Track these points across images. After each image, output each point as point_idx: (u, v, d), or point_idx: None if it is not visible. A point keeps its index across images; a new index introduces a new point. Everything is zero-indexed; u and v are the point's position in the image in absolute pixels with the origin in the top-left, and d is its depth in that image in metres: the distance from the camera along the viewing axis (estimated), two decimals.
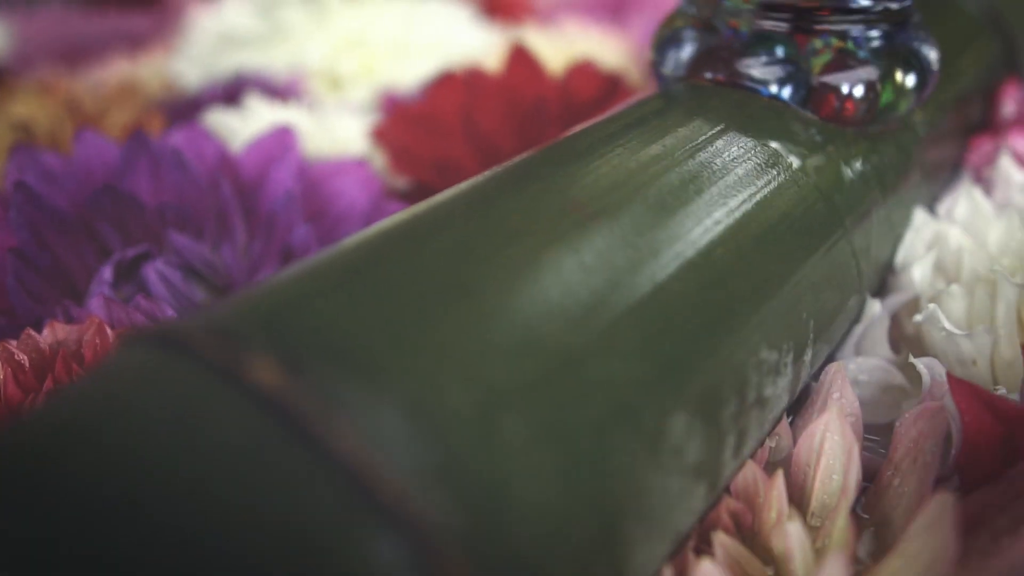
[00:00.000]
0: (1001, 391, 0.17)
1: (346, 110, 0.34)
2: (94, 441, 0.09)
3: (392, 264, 0.12)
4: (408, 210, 0.14)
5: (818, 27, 0.20)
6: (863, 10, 0.20)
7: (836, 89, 0.19)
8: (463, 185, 0.15)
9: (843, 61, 0.20)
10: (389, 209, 0.25)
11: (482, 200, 0.14)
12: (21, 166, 0.22)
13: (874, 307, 0.19)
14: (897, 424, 0.16)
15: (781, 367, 0.15)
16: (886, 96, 0.20)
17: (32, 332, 0.17)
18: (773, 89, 0.19)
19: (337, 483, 0.08)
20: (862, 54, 0.20)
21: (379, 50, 0.40)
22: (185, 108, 0.33)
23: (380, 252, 0.12)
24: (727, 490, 0.15)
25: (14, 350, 0.16)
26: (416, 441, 0.09)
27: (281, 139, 0.27)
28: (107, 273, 0.19)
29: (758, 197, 0.16)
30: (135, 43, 0.46)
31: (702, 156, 0.16)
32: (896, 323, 0.20)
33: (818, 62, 0.20)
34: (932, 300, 0.19)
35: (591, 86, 0.30)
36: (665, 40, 0.21)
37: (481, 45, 0.40)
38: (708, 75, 0.20)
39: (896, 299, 0.20)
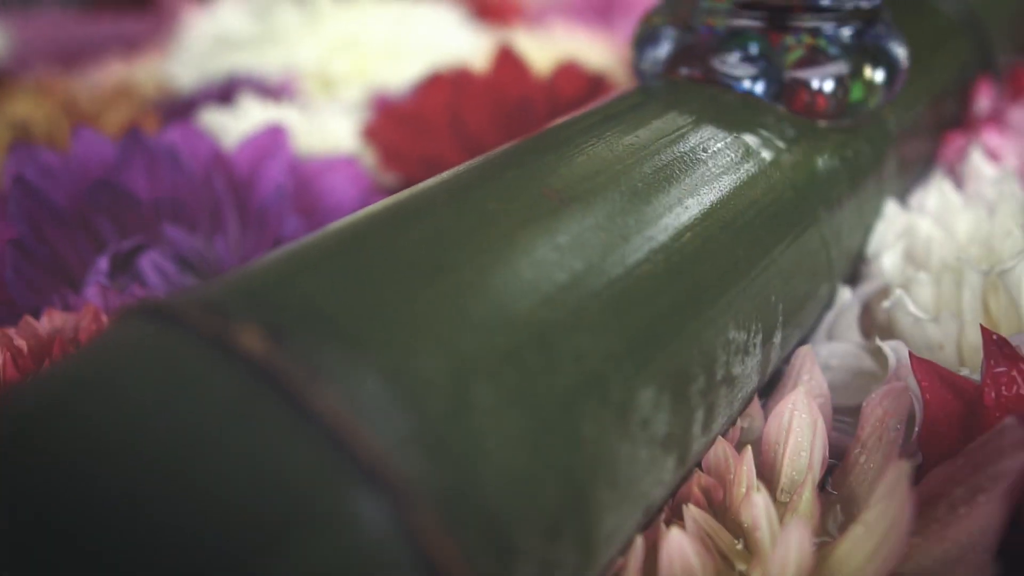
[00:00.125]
0: (965, 373, 0.18)
1: (337, 110, 0.34)
2: (87, 405, 0.09)
3: (372, 244, 0.12)
4: (391, 197, 0.14)
5: (790, 25, 0.21)
6: (834, 8, 0.21)
7: (807, 84, 0.20)
8: (445, 173, 0.15)
9: (814, 57, 0.20)
10: None
11: (461, 186, 0.14)
12: (20, 162, 0.23)
13: (845, 294, 0.20)
14: (864, 404, 0.17)
15: (750, 347, 0.16)
16: (856, 91, 0.20)
17: (30, 319, 0.17)
18: (747, 84, 0.20)
19: (318, 441, 0.09)
20: (833, 50, 0.20)
21: (371, 52, 0.40)
22: (180, 108, 0.34)
23: (361, 233, 0.13)
24: (699, 467, 0.16)
25: (13, 335, 0.17)
26: (393, 404, 0.10)
27: (273, 137, 0.27)
28: (103, 264, 0.20)
29: (728, 186, 0.17)
30: (130, 46, 0.47)
31: (675, 147, 0.17)
32: (868, 311, 0.21)
33: (790, 58, 0.20)
34: (901, 288, 0.20)
35: (575, 86, 0.31)
36: (643, 38, 0.22)
37: (471, 47, 0.41)
38: (684, 71, 0.21)
39: (867, 287, 0.20)
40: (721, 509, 0.16)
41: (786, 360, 0.18)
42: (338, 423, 0.09)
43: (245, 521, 0.09)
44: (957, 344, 0.19)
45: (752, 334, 0.16)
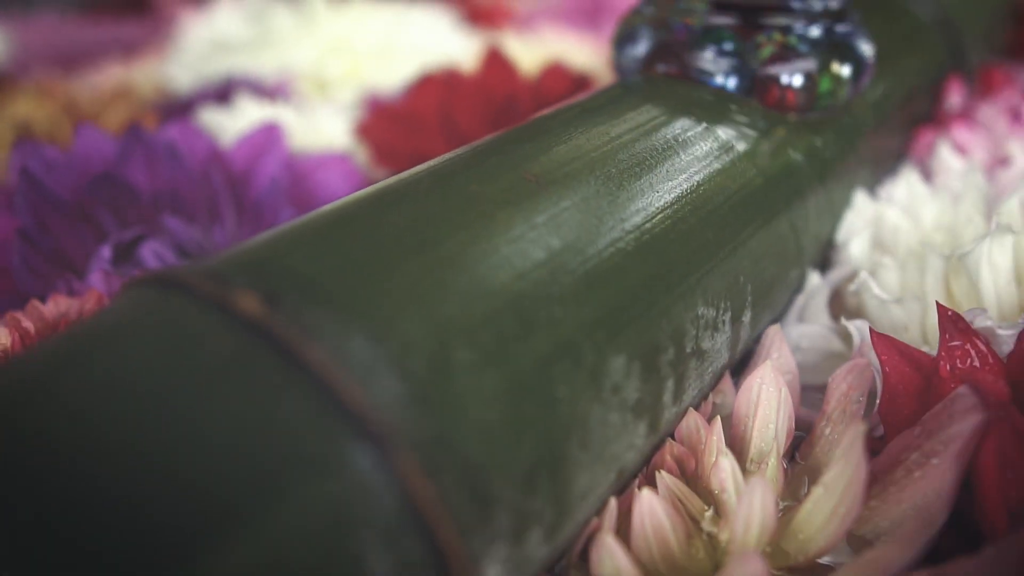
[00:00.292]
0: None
1: (331, 110, 0.35)
2: (99, 360, 0.10)
3: (361, 221, 0.13)
4: (381, 182, 0.15)
5: (762, 23, 0.22)
6: (803, 8, 0.22)
7: (778, 79, 0.21)
8: (431, 161, 0.16)
9: (785, 54, 0.21)
10: None
11: (446, 171, 0.15)
12: (25, 158, 0.24)
13: (814, 279, 0.21)
14: (830, 380, 0.18)
15: (719, 324, 0.17)
16: (824, 85, 0.22)
17: (37, 303, 0.18)
18: (720, 80, 0.21)
19: (310, 391, 0.10)
20: (802, 48, 0.21)
21: (364, 55, 0.41)
22: (178, 109, 0.35)
23: (351, 212, 0.13)
24: (672, 437, 0.17)
25: (21, 318, 0.18)
26: (378, 361, 0.11)
27: (269, 134, 0.28)
28: (106, 252, 0.20)
29: (699, 173, 0.18)
30: (128, 49, 0.48)
31: (649, 137, 0.18)
32: (838, 295, 0.22)
33: (762, 55, 0.21)
34: (869, 273, 0.21)
35: (561, 85, 0.32)
36: (623, 37, 0.23)
37: (461, 50, 0.42)
38: (662, 68, 0.22)
39: (836, 272, 0.21)
40: (693, 478, 0.17)
41: (757, 340, 0.19)
42: (328, 376, 0.10)
43: (246, 463, 0.09)
44: (921, 325, 0.20)
45: (721, 311, 0.17)
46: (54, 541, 0.09)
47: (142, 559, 0.09)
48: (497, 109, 0.31)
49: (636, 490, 0.15)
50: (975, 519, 0.15)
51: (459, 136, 0.31)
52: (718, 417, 0.16)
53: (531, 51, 0.40)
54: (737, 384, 0.19)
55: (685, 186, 0.17)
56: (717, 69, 0.21)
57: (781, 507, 0.16)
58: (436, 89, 0.34)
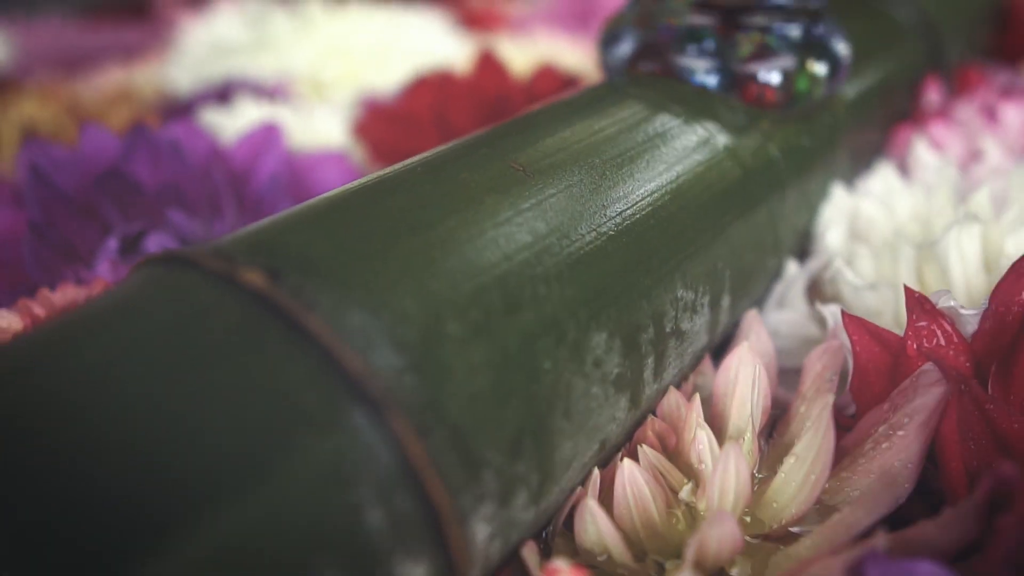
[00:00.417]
0: None
1: (329, 110, 0.36)
2: (114, 329, 0.11)
3: (358, 206, 0.14)
4: (377, 171, 0.16)
5: (742, 23, 0.23)
6: (781, 7, 0.23)
7: (757, 76, 0.22)
8: (425, 153, 0.17)
9: (763, 52, 0.22)
10: None
11: (438, 161, 0.16)
12: (33, 155, 0.25)
13: (792, 268, 0.22)
14: (805, 361, 0.19)
15: (698, 306, 0.17)
16: (801, 83, 0.22)
17: (47, 292, 0.19)
18: (702, 78, 0.22)
19: (312, 357, 0.11)
20: (780, 46, 0.22)
21: (361, 58, 0.42)
22: (179, 110, 0.35)
23: (349, 199, 0.14)
24: (655, 414, 0.18)
25: (32, 305, 0.19)
26: (374, 331, 0.11)
27: (268, 133, 0.29)
28: (113, 244, 0.21)
29: (680, 166, 0.19)
30: (129, 53, 0.49)
31: (632, 130, 0.19)
32: (817, 284, 0.23)
33: (742, 53, 0.22)
34: (845, 261, 0.22)
35: (552, 87, 0.33)
36: (608, 38, 0.24)
37: (456, 53, 0.43)
38: (646, 67, 0.23)
39: (814, 261, 0.22)
40: (674, 454, 0.17)
41: (737, 325, 0.20)
42: (327, 342, 0.11)
43: (254, 420, 0.10)
44: (894, 311, 0.21)
45: (700, 295, 0.17)
46: (81, 493, 0.09)
47: (161, 507, 0.09)
48: (489, 109, 0.32)
49: (619, 463, 0.16)
50: (940, 490, 0.16)
51: (453, 135, 0.32)
52: (697, 394, 0.17)
53: (524, 53, 0.41)
54: (717, 366, 0.20)
55: (666, 177, 0.18)
56: (698, 67, 0.22)
57: (757, 479, 0.17)
58: (430, 90, 0.35)
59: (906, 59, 0.31)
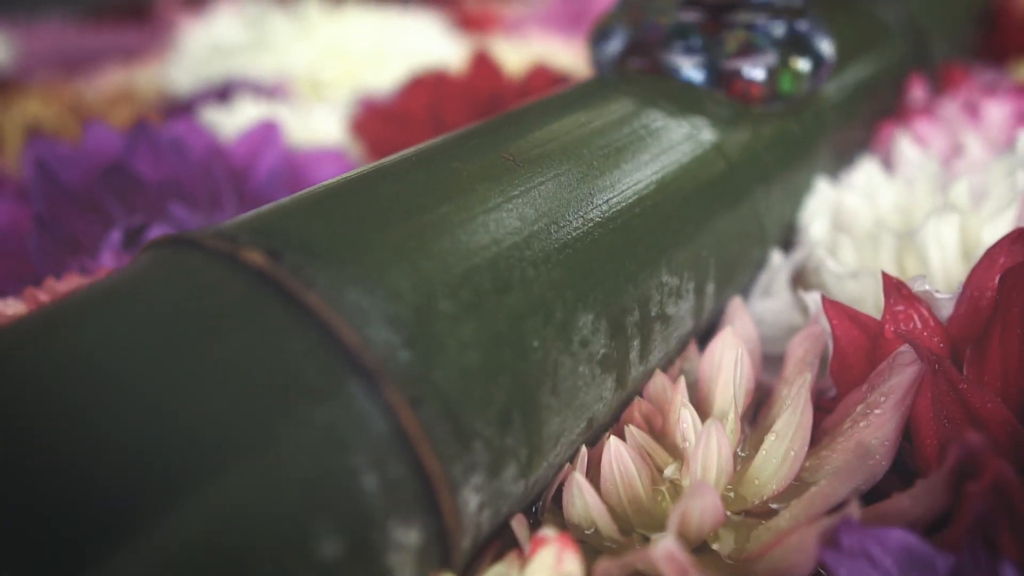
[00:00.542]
0: None
1: (326, 109, 0.37)
2: (122, 305, 0.12)
3: (354, 193, 0.15)
4: (374, 162, 0.17)
5: (728, 20, 0.23)
6: (766, 6, 0.23)
7: (742, 72, 0.23)
8: (419, 144, 0.18)
9: (748, 49, 0.23)
10: None
11: (431, 152, 0.17)
12: (37, 152, 0.25)
13: (777, 258, 0.22)
14: (788, 346, 0.19)
15: (683, 292, 0.18)
16: (785, 79, 0.23)
17: (52, 280, 0.20)
18: (689, 74, 0.23)
19: (311, 330, 0.11)
20: (764, 43, 0.23)
21: (358, 58, 0.43)
22: (179, 109, 0.36)
23: (345, 186, 0.15)
24: (641, 396, 0.18)
25: (38, 292, 0.19)
26: (368, 307, 0.12)
27: (267, 131, 0.30)
28: (116, 236, 0.22)
29: (665, 157, 0.19)
30: (129, 54, 0.49)
31: (620, 124, 0.19)
32: (802, 274, 0.24)
33: (727, 50, 0.23)
34: (829, 252, 0.23)
35: (545, 85, 0.34)
36: (599, 36, 0.25)
37: (452, 53, 0.44)
38: (635, 63, 0.24)
39: (798, 251, 0.23)
40: (660, 435, 0.18)
41: (723, 313, 0.21)
42: (325, 316, 0.12)
43: (257, 391, 0.11)
44: (876, 298, 0.21)
45: (684, 281, 0.18)
46: (98, 453, 0.10)
47: (170, 469, 0.10)
48: (484, 108, 0.33)
49: (606, 441, 0.17)
50: (917, 469, 0.17)
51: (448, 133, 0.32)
52: (683, 376, 0.18)
53: (518, 54, 0.41)
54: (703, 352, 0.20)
55: (652, 168, 0.18)
56: (686, 64, 0.23)
57: (741, 459, 0.17)
58: (426, 89, 0.35)
59: (891, 58, 0.32)
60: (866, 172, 0.25)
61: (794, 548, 0.14)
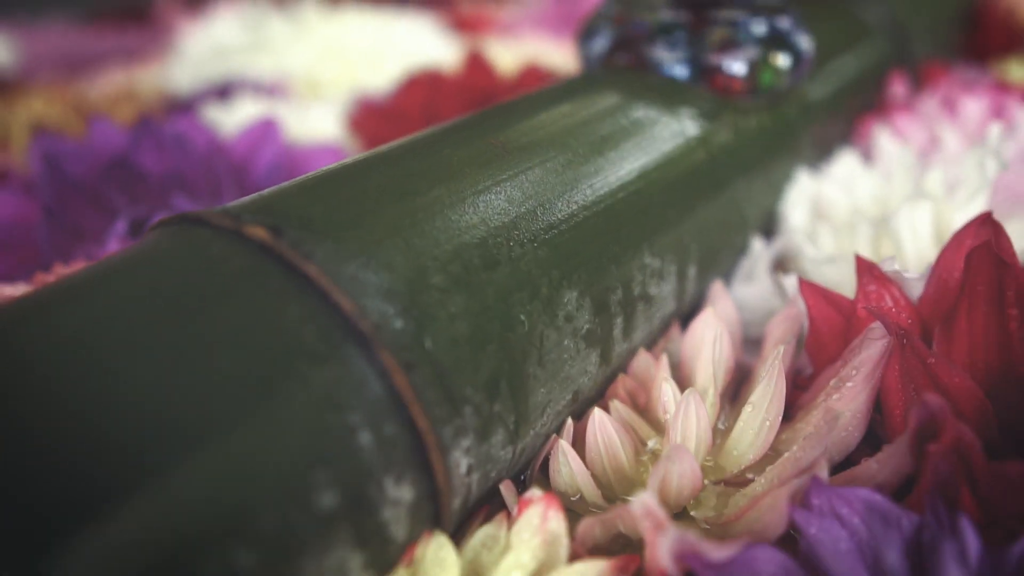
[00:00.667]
0: None
1: (324, 108, 0.38)
2: (132, 274, 0.12)
3: (351, 177, 0.15)
4: (369, 150, 0.18)
5: (711, 17, 0.24)
6: (747, 3, 0.24)
7: (724, 67, 0.24)
8: (413, 134, 0.19)
9: (730, 45, 0.24)
10: None
11: (424, 140, 0.18)
12: (44, 147, 0.26)
13: (758, 245, 0.23)
14: (766, 328, 0.20)
15: (665, 274, 0.19)
16: (765, 74, 0.24)
17: (61, 266, 0.21)
18: (672, 69, 0.24)
19: (311, 297, 0.12)
20: (745, 39, 0.24)
21: (355, 59, 0.44)
22: (180, 108, 0.37)
23: (342, 171, 0.16)
24: (625, 372, 0.19)
25: (47, 277, 0.20)
26: (364, 277, 0.13)
27: (267, 128, 0.31)
28: (121, 226, 0.23)
29: (649, 147, 0.20)
30: (130, 56, 0.50)
31: (606, 115, 0.20)
32: (783, 261, 0.24)
33: (710, 46, 0.24)
34: (808, 239, 0.23)
35: (536, 84, 0.35)
36: (587, 33, 0.26)
37: (447, 55, 0.45)
38: (621, 59, 0.24)
39: (779, 239, 0.24)
40: (643, 411, 0.19)
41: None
42: (325, 287, 0.12)
43: (261, 352, 0.12)
44: (852, 282, 0.22)
45: (666, 263, 0.19)
46: (111, 410, 0.11)
47: (182, 426, 0.11)
48: (477, 106, 0.33)
49: (591, 413, 0.18)
50: (886, 438, 0.18)
51: None
52: (665, 354, 0.19)
53: (511, 54, 0.42)
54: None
55: (635, 157, 0.19)
56: (671, 59, 0.24)
57: (720, 431, 0.18)
58: (422, 88, 0.36)
59: (872, 56, 0.33)
60: (845, 164, 0.26)
61: (767, 509, 0.15)
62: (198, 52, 0.43)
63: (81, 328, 0.11)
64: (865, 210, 0.24)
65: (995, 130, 0.25)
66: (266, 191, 0.15)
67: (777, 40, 0.24)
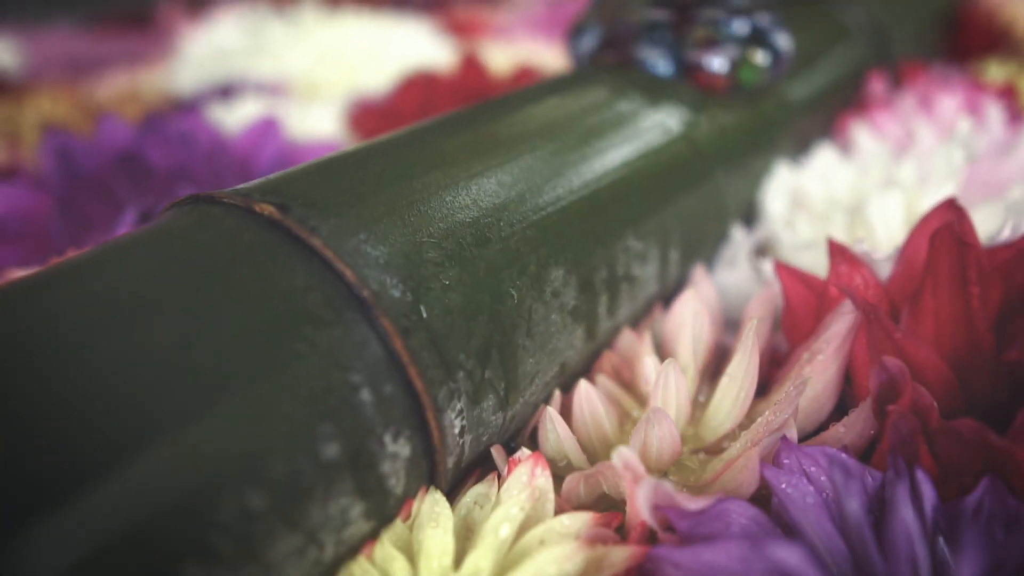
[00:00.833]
0: None
1: (322, 109, 0.39)
2: (150, 245, 0.13)
3: (352, 163, 0.17)
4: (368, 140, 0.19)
5: (694, 17, 0.25)
6: (728, 3, 0.26)
7: (705, 65, 0.25)
8: (410, 126, 0.20)
9: (712, 44, 0.25)
10: None
11: (420, 130, 0.19)
12: (55, 142, 0.27)
13: (739, 233, 0.24)
14: (745, 309, 0.21)
15: (647, 256, 0.20)
16: (745, 71, 0.25)
17: (74, 251, 0.22)
18: (657, 66, 0.25)
19: (316, 266, 0.13)
20: (726, 38, 0.25)
21: (353, 62, 0.45)
22: (184, 109, 0.38)
23: (343, 158, 0.17)
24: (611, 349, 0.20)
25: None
26: (364, 251, 0.14)
27: (268, 126, 0.32)
28: (130, 215, 0.24)
29: (633, 137, 0.21)
30: (133, 59, 0.51)
31: (592, 109, 0.21)
32: (763, 248, 0.26)
33: (693, 45, 0.25)
34: (787, 227, 0.25)
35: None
36: (576, 32, 0.27)
37: (443, 58, 0.46)
38: (608, 57, 0.26)
39: (760, 228, 0.25)
40: (628, 386, 0.20)
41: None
42: (329, 257, 0.13)
43: (271, 316, 0.13)
44: (827, 268, 0.23)
45: (649, 247, 0.20)
46: (134, 365, 0.12)
47: (201, 381, 0.12)
48: None
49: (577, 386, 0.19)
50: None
51: None
52: (648, 331, 0.20)
53: (505, 56, 0.44)
54: None
55: (620, 147, 0.20)
56: (655, 57, 0.25)
57: (700, 404, 0.19)
58: (418, 89, 0.37)
59: (851, 57, 0.34)
60: (823, 157, 0.28)
61: (740, 469, 0.16)
62: (200, 55, 0.44)
63: (107, 292, 0.12)
64: (841, 200, 0.25)
65: (964, 124, 0.26)
66: (272, 175, 0.16)
67: (757, 39, 0.26)
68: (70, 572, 0.10)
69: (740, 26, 0.25)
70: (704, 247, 0.23)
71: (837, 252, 0.20)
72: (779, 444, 0.15)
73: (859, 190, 0.26)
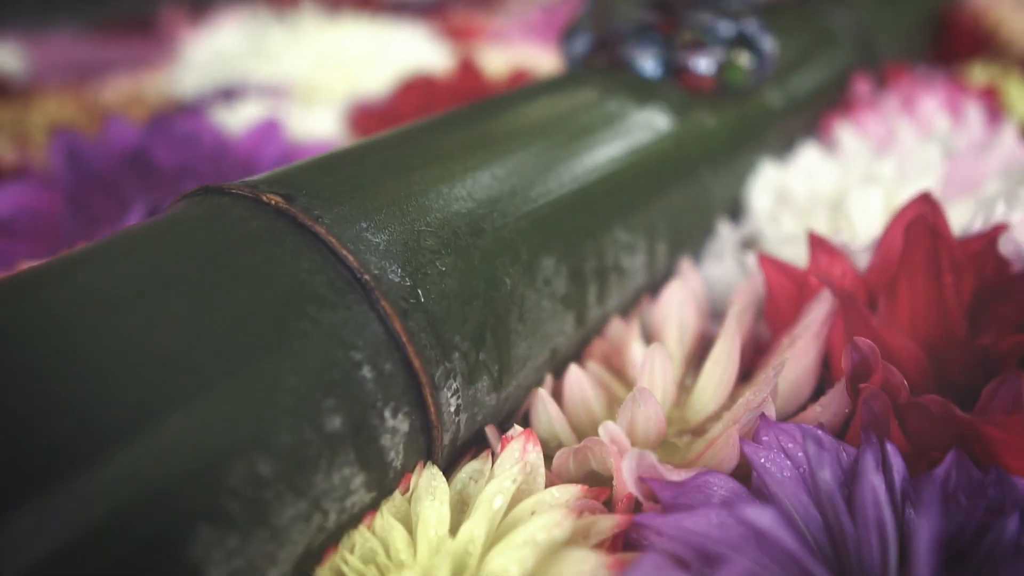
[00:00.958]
0: None
1: (322, 112, 0.40)
2: (163, 232, 0.14)
3: (353, 158, 0.17)
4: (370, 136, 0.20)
5: (682, 20, 0.26)
6: (714, 7, 0.27)
7: (692, 66, 0.26)
8: (409, 124, 0.21)
9: (699, 46, 0.26)
10: None
11: (418, 128, 0.20)
12: (64, 142, 0.28)
13: (725, 228, 0.25)
14: (730, 300, 0.22)
15: (636, 248, 0.21)
16: (731, 72, 0.26)
17: (84, 244, 0.22)
18: (646, 68, 0.26)
19: (320, 251, 0.14)
20: (713, 41, 0.26)
21: (352, 66, 0.46)
22: (187, 111, 0.39)
23: (345, 153, 0.18)
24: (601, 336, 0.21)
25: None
26: (365, 239, 0.15)
27: (270, 128, 0.33)
28: (138, 211, 0.25)
29: (623, 135, 0.22)
30: (136, 64, 0.52)
31: (583, 108, 0.22)
32: (748, 242, 0.26)
33: (681, 47, 0.26)
34: (771, 222, 0.26)
35: None
36: (568, 34, 0.28)
37: (440, 62, 0.47)
38: (600, 59, 0.27)
39: (745, 223, 0.26)
40: (617, 372, 0.21)
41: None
42: (332, 244, 0.14)
43: (280, 297, 0.14)
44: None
45: (637, 239, 0.21)
46: (150, 342, 0.13)
47: (213, 357, 0.13)
48: None
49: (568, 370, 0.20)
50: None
51: None
52: (637, 318, 0.20)
53: (501, 60, 0.45)
54: None
55: (610, 145, 0.21)
56: (644, 59, 0.26)
57: (686, 387, 0.20)
58: (416, 91, 0.38)
59: (836, 60, 0.35)
60: (807, 155, 0.28)
61: (722, 446, 0.16)
62: (201, 59, 0.45)
63: (125, 275, 0.13)
64: (824, 196, 0.26)
65: (943, 123, 0.27)
66: (278, 169, 0.17)
67: (743, 42, 0.27)
68: (101, 522, 0.10)
69: (726, 29, 0.26)
70: (690, 240, 0.24)
71: (817, 243, 0.21)
72: (758, 422, 0.16)
73: (842, 187, 0.27)
